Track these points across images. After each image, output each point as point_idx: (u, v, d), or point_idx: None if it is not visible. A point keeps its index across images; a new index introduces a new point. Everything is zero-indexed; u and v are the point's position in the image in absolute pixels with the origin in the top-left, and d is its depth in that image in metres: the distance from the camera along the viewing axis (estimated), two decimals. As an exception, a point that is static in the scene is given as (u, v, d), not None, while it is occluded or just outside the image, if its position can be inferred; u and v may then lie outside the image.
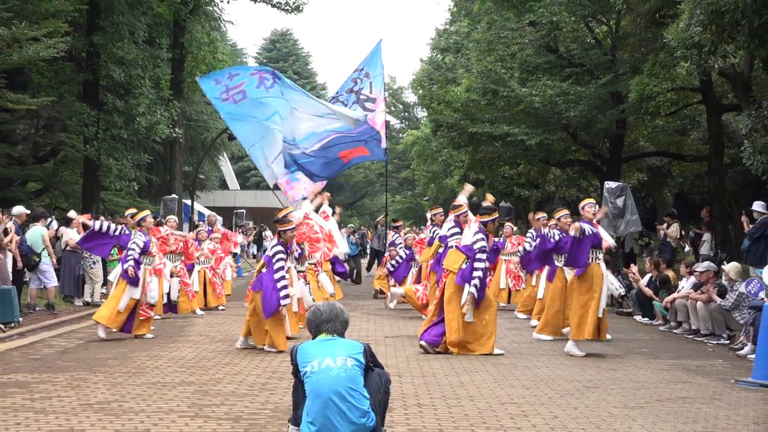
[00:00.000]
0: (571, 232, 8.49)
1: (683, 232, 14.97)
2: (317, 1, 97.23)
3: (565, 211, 9.87)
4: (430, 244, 11.16)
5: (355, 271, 20.02)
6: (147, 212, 9.95)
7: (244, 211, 31.26)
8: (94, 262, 12.76)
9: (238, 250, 20.14)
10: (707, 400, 6.29)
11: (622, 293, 11.69)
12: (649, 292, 11.81)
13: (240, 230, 25.28)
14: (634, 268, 12.70)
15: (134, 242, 9.37)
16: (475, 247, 8.33)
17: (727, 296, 9.64)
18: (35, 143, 18.53)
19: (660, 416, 5.64)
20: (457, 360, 8.02)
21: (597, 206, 9.10)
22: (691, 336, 10.22)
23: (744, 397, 6.44)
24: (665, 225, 14.70)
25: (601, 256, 8.67)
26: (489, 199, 9.69)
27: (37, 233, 11.40)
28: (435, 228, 11.50)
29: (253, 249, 28.85)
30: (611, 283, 9.80)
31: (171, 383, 6.58)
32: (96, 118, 17.25)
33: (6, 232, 10.47)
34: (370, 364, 4.47)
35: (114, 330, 9.27)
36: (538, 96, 16.76)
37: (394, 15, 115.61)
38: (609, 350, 8.96)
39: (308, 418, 4.27)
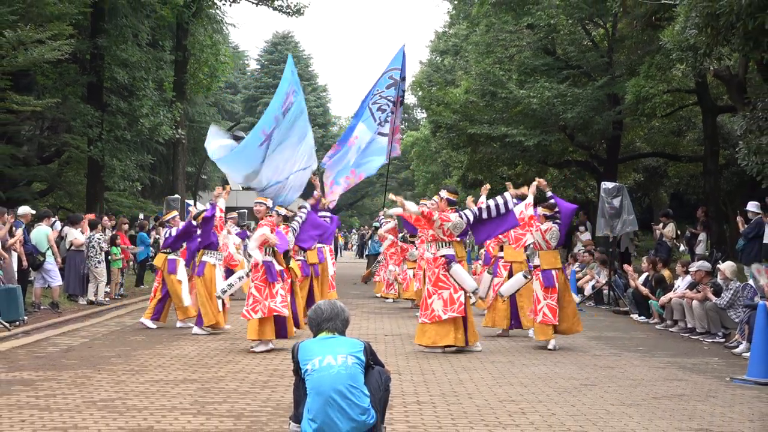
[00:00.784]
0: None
1: (679, 232, 15.08)
2: (318, 4, 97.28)
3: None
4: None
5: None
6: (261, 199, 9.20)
7: (246, 211, 31.28)
8: (99, 262, 12.86)
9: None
10: (703, 397, 6.34)
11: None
12: (645, 290, 11.91)
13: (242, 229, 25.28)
14: (629, 267, 12.81)
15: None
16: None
17: (722, 295, 9.72)
18: (40, 144, 18.63)
19: (656, 413, 5.68)
20: (456, 358, 8.10)
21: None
22: (686, 334, 10.30)
23: (739, 395, 6.49)
24: (661, 225, 14.80)
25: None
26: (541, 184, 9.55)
27: (42, 233, 11.49)
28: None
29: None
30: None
31: (174, 381, 6.63)
32: (100, 119, 17.36)
33: (11, 233, 10.55)
34: (371, 362, 4.50)
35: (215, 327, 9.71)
36: (536, 97, 16.86)
37: (393, 17, 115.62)
38: (606, 348, 9.04)
39: (309, 415, 4.30)
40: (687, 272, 10.91)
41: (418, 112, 49.87)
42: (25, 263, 10.94)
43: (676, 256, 15.10)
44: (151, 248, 17.31)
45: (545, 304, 8.76)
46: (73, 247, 12.60)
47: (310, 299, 10.72)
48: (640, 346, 9.29)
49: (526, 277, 9.30)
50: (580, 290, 14.39)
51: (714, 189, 16.32)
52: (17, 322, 9.88)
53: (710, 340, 9.75)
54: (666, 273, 11.98)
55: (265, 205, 8.93)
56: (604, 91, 17.11)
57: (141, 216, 20.81)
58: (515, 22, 19.07)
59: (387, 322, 11.40)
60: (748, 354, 7.78)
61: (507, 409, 5.75)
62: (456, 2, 28.01)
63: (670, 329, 10.79)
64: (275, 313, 8.35)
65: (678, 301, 10.66)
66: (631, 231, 15.04)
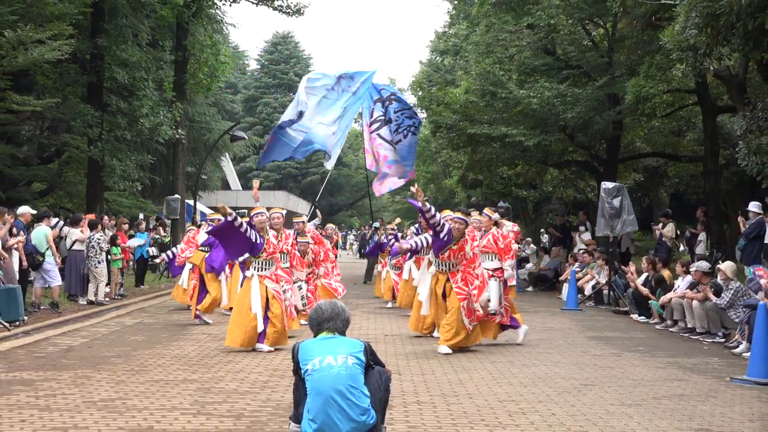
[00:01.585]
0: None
1: (678, 232, 15.10)
2: (318, 3, 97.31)
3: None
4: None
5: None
6: (262, 209, 8.65)
7: (246, 211, 31.35)
8: (99, 262, 12.87)
9: None
10: (703, 397, 6.36)
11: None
12: (645, 291, 11.91)
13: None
14: (631, 267, 12.81)
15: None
16: None
17: (722, 295, 9.73)
18: (40, 144, 18.64)
19: (656, 413, 5.69)
20: (455, 358, 8.10)
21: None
22: (687, 334, 10.31)
23: (739, 395, 6.51)
24: (661, 225, 14.81)
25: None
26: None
27: (41, 233, 11.49)
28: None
29: None
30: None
31: (174, 381, 6.63)
32: (100, 119, 17.37)
33: (12, 233, 10.55)
34: (371, 362, 4.50)
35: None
36: (535, 98, 16.87)
37: (393, 18, 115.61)
38: (606, 348, 9.05)
39: (309, 415, 4.30)
40: (687, 272, 10.92)
41: (418, 112, 49.87)
42: (24, 263, 10.95)
43: (676, 256, 15.11)
44: (149, 248, 17.31)
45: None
46: (74, 247, 12.60)
47: None
48: (640, 346, 9.30)
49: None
50: (580, 290, 14.40)
51: (714, 189, 16.33)
52: (17, 322, 9.89)
53: (710, 340, 9.76)
54: (666, 273, 11.99)
55: (282, 214, 8.92)
56: (604, 91, 17.12)
57: (141, 216, 20.84)
58: (515, 22, 19.09)
59: (387, 322, 11.40)
60: (748, 354, 7.79)
61: (507, 409, 5.76)
62: (456, 2, 28.02)
63: (670, 329, 10.80)
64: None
65: (678, 301, 10.66)
66: (632, 231, 15.06)
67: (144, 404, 5.72)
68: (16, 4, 13.02)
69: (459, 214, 8.70)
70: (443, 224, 8.33)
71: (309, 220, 12.31)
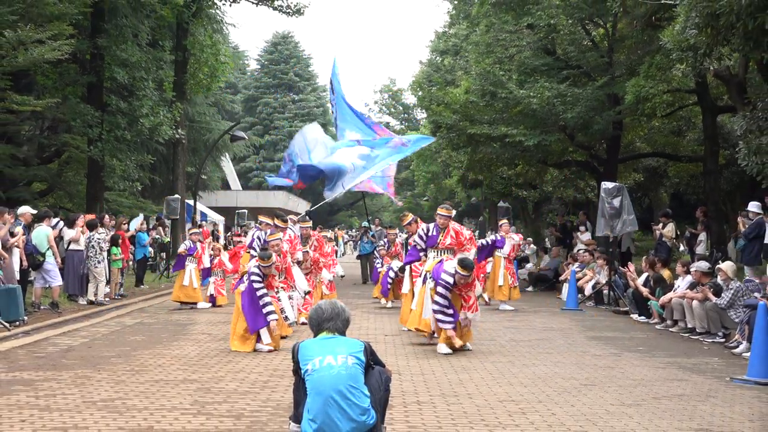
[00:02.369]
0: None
1: (678, 232, 15.10)
2: (318, 4, 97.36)
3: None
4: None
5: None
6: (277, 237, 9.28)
7: (246, 211, 31.40)
8: (99, 262, 12.87)
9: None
10: (703, 397, 6.35)
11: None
12: (645, 290, 11.91)
13: (242, 230, 25.37)
14: (631, 267, 12.80)
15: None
16: None
17: (722, 295, 9.73)
18: (40, 144, 18.66)
19: (656, 413, 5.69)
20: (456, 358, 8.10)
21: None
22: (686, 334, 10.30)
23: (739, 395, 6.50)
24: (661, 225, 14.82)
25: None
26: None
27: (42, 233, 11.48)
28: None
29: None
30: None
31: (173, 381, 6.64)
32: (100, 119, 17.37)
33: (12, 233, 10.56)
34: (371, 362, 4.50)
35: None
36: (536, 98, 16.87)
37: (393, 18, 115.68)
38: (606, 348, 9.05)
39: (309, 415, 4.30)
40: (687, 272, 10.92)
41: (418, 112, 49.96)
42: (25, 263, 10.95)
43: (675, 256, 15.11)
44: (150, 248, 17.31)
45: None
46: (72, 247, 12.60)
47: None
48: (640, 346, 9.29)
49: None
50: (580, 290, 14.40)
51: (714, 189, 16.33)
52: (17, 322, 9.88)
53: (710, 340, 9.75)
54: (666, 273, 11.99)
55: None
56: (604, 91, 17.12)
57: (141, 216, 20.84)
58: (515, 22, 19.09)
59: (387, 322, 11.39)
60: (748, 354, 7.79)
61: (507, 409, 5.76)
62: (456, 2, 28.05)
63: (670, 329, 10.79)
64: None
65: (678, 301, 10.66)
66: (632, 231, 15.06)
67: (144, 404, 5.72)
68: (16, 4, 13.03)
69: (443, 211, 9.18)
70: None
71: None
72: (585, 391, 6.51)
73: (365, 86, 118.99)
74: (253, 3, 23.43)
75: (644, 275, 12.34)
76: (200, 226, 13.15)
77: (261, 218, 11.41)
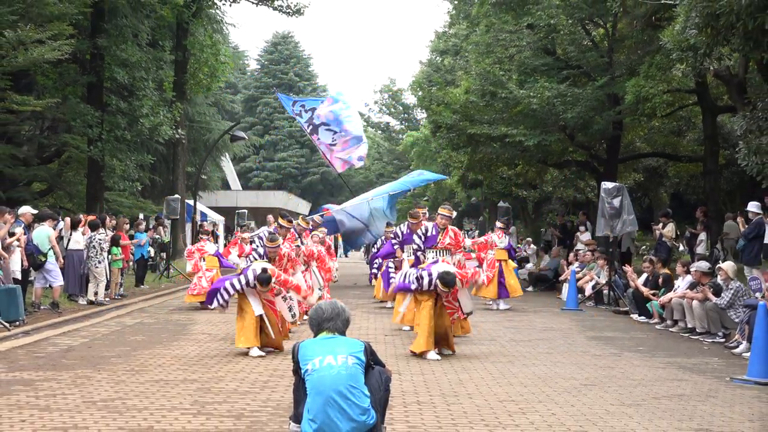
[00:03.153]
0: None
1: (678, 232, 15.10)
2: (318, 3, 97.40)
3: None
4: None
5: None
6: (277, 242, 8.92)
7: (246, 211, 31.43)
8: (99, 262, 12.87)
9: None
10: (703, 397, 6.36)
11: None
12: (645, 291, 11.91)
13: (242, 230, 25.36)
14: (627, 268, 12.80)
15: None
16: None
17: (722, 295, 9.73)
18: (40, 144, 18.67)
19: (656, 413, 5.70)
20: (456, 358, 8.11)
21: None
22: (686, 334, 10.31)
23: (739, 395, 6.51)
24: (661, 225, 14.81)
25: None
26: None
27: (44, 233, 11.48)
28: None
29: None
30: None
31: (173, 381, 6.64)
32: (100, 119, 17.39)
33: (12, 233, 10.55)
34: (371, 362, 4.51)
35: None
36: (536, 98, 16.87)
37: (393, 17, 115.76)
38: (606, 348, 9.05)
39: (309, 415, 4.30)
40: (687, 272, 10.92)
41: (418, 112, 49.98)
42: (25, 263, 10.94)
43: (675, 256, 15.11)
44: (150, 248, 17.30)
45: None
46: (71, 247, 12.59)
47: None
48: (640, 346, 9.30)
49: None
50: (580, 290, 14.41)
51: (714, 189, 16.34)
52: (17, 322, 9.88)
53: (710, 340, 9.76)
54: (666, 273, 11.98)
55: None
56: (604, 91, 17.12)
57: (140, 216, 20.84)
58: (515, 22, 19.09)
59: (387, 322, 11.39)
60: (748, 354, 7.80)
61: (507, 410, 5.76)
62: (456, 2, 28.04)
63: (670, 329, 10.80)
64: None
65: (678, 301, 10.66)
66: (632, 231, 15.06)
67: (144, 404, 5.73)
68: (16, 4, 13.04)
69: (445, 212, 9.19)
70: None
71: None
72: (585, 391, 6.51)
73: (365, 86, 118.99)
74: (253, 3, 23.45)
75: (644, 275, 12.34)
76: (202, 231, 13.18)
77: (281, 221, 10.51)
